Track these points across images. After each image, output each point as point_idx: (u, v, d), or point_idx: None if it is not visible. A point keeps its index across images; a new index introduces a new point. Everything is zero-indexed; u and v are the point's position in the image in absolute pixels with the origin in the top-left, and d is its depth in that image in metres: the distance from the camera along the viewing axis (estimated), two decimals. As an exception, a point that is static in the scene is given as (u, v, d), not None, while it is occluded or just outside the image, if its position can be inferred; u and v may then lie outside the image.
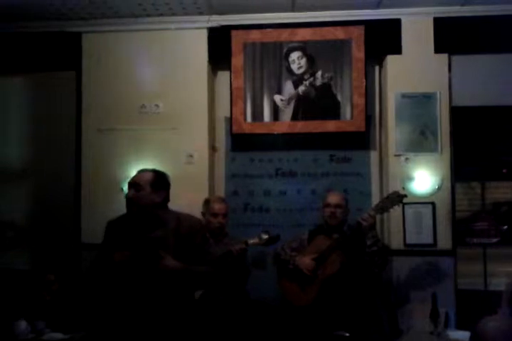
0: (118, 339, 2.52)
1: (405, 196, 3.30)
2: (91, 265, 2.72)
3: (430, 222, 3.81)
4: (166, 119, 4.04)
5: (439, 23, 3.90)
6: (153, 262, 2.45)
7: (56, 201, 4.18)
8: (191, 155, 3.99)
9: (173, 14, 4.01)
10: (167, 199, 2.63)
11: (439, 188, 3.83)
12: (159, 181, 2.60)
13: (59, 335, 3.10)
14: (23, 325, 3.10)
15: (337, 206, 3.37)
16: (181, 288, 2.52)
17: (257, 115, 4.02)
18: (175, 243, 2.51)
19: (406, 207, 3.77)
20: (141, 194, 2.55)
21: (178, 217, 2.60)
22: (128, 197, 2.58)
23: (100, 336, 3.24)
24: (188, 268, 2.48)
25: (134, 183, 2.59)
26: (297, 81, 4.00)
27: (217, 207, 3.45)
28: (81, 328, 3.22)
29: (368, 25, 3.92)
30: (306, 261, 3.27)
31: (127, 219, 2.64)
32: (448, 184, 3.85)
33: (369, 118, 4.00)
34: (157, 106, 4.05)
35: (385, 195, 3.65)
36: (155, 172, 2.65)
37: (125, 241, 2.58)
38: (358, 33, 3.92)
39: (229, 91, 4.04)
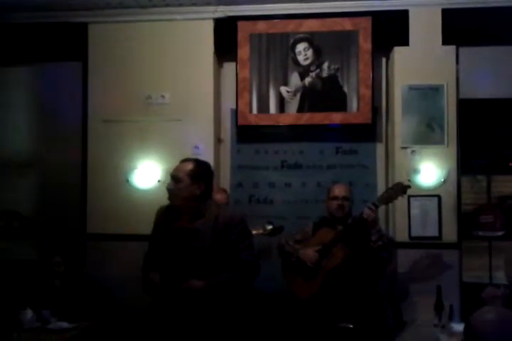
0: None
1: (409, 187, 3.29)
2: (145, 256, 2.69)
3: (436, 215, 3.80)
4: (172, 110, 4.04)
5: (447, 15, 3.86)
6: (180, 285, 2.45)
7: (62, 192, 4.19)
8: (197, 147, 3.99)
9: (180, 5, 4.00)
10: (208, 190, 2.55)
11: (445, 181, 3.82)
12: (199, 172, 2.51)
13: (65, 324, 3.12)
14: (29, 313, 3.13)
15: (344, 198, 3.37)
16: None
17: (263, 107, 4.01)
18: (212, 235, 2.48)
19: (412, 199, 3.77)
20: (179, 186, 2.48)
21: (217, 209, 2.55)
22: (167, 189, 2.53)
23: (106, 326, 3.28)
24: (212, 283, 2.45)
25: (173, 175, 2.52)
26: (303, 72, 3.98)
27: (218, 197, 3.46)
28: (87, 317, 3.24)
29: (376, 16, 3.89)
30: (309, 253, 3.27)
31: (170, 210, 2.60)
32: (454, 177, 3.83)
33: (375, 111, 3.98)
34: (163, 97, 4.04)
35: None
36: (195, 162, 2.55)
37: (166, 231, 2.57)
38: (365, 24, 3.89)
39: (235, 83, 4.03)
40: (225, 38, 4.04)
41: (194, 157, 2.76)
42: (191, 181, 2.48)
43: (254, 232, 3.36)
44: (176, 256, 2.51)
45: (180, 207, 2.55)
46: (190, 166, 2.52)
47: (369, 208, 3.14)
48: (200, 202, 2.52)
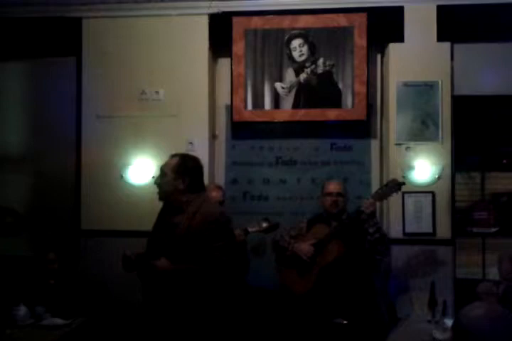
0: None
1: (404, 183, 3.32)
2: None
3: (430, 212, 3.81)
4: (167, 106, 4.02)
5: (442, 11, 3.85)
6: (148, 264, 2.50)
7: (56, 188, 4.18)
8: (191, 143, 3.98)
9: (174, 0, 3.98)
10: (194, 185, 2.58)
11: (439, 178, 3.82)
12: (183, 167, 2.58)
13: (59, 320, 3.11)
14: (22, 310, 3.12)
15: (339, 194, 3.38)
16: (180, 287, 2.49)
17: (258, 103, 4.00)
18: (186, 230, 2.50)
19: (406, 196, 3.77)
20: (164, 180, 2.58)
21: (200, 205, 2.55)
22: (154, 183, 2.64)
23: (100, 322, 3.27)
24: (177, 267, 2.46)
25: (160, 169, 2.63)
26: (298, 68, 3.97)
27: (214, 194, 3.45)
28: (81, 314, 3.23)
29: (371, 12, 3.88)
30: (304, 247, 3.28)
31: (164, 204, 2.70)
32: (448, 173, 3.84)
33: (370, 107, 3.98)
34: (157, 92, 4.03)
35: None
36: (181, 157, 2.63)
37: (155, 224, 2.68)
38: (360, 21, 3.88)
39: (230, 79, 4.02)
40: (220, 34, 4.02)
41: (187, 153, 2.80)
42: (175, 175, 2.56)
43: (250, 230, 3.37)
44: (154, 249, 2.58)
45: (166, 200, 2.63)
46: (175, 161, 2.60)
47: (369, 201, 3.16)
48: (185, 197, 2.56)
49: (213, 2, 3.98)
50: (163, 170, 2.60)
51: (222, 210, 2.67)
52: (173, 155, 2.67)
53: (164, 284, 2.49)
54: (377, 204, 3.51)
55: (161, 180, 2.60)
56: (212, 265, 2.47)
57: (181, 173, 2.56)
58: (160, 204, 2.69)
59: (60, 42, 4.16)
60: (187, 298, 2.48)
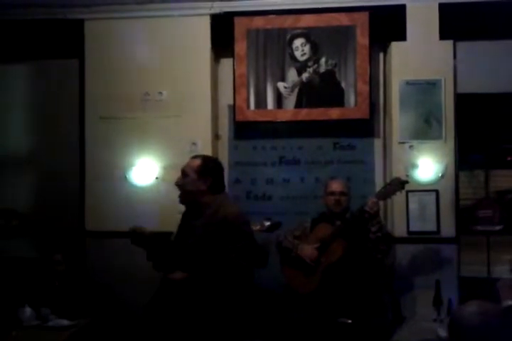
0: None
1: (407, 182, 3.31)
2: None
3: (434, 210, 3.80)
4: (169, 107, 4.03)
5: (445, 9, 3.85)
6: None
7: (60, 189, 4.19)
8: (194, 143, 3.98)
9: (176, 0, 3.98)
10: (215, 186, 2.60)
11: (443, 176, 3.82)
12: (205, 168, 2.60)
13: (64, 322, 3.12)
14: (28, 311, 3.13)
15: (342, 193, 3.38)
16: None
17: (261, 102, 4.00)
18: (203, 232, 2.50)
19: (410, 194, 3.77)
20: (185, 180, 2.59)
21: (219, 206, 2.56)
22: (175, 184, 2.64)
23: (106, 323, 3.28)
24: (193, 277, 2.48)
25: (182, 170, 2.64)
26: (301, 68, 3.97)
27: None
28: (86, 315, 3.24)
29: (373, 11, 3.87)
30: (308, 250, 3.28)
31: (186, 207, 2.71)
32: (452, 172, 3.83)
33: (373, 106, 3.98)
34: (160, 93, 4.03)
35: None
36: (203, 158, 2.66)
37: (178, 227, 2.69)
38: (362, 19, 3.87)
39: (232, 79, 4.02)
40: (222, 34, 4.02)
41: (195, 154, 2.83)
42: (197, 176, 2.57)
43: (252, 229, 3.36)
44: (175, 251, 2.58)
45: (187, 203, 2.64)
46: (197, 162, 2.62)
47: (372, 201, 3.15)
48: (205, 198, 2.57)
49: (215, 2, 3.98)
50: (184, 172, 2.61)
51: (240, 211, 2.65)
52: (194, 157, 2.69)
53: (180, 292, 2.50)
54: (381, 203, 3.51)
55: (182, 181, 2.61)
56: (228, 267, 2.46)
57: (204, 174, 2.58)
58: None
59: (63, 44, 4.16)
60: (199, 301, 2.49)
